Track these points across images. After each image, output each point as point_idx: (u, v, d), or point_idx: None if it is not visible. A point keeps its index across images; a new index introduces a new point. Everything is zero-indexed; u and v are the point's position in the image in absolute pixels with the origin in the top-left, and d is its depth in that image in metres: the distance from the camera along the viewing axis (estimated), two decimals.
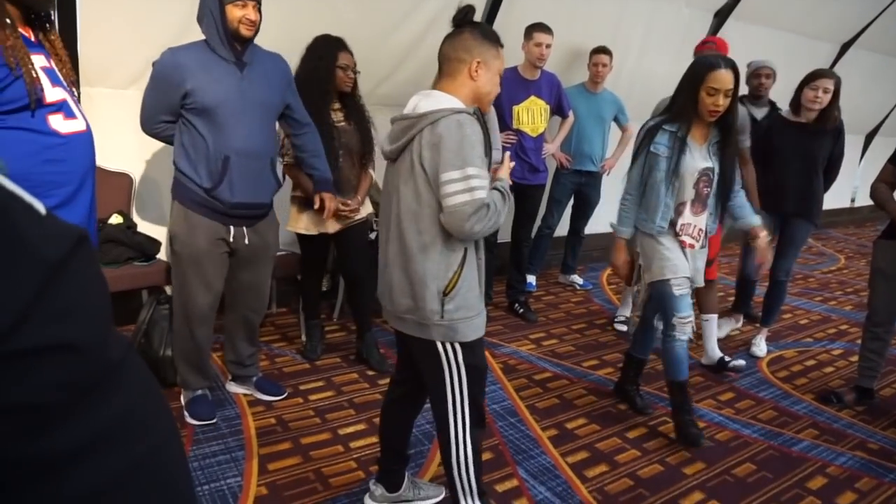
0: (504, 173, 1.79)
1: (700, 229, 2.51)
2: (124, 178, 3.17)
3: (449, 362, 1.72)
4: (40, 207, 0.40)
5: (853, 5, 5.91)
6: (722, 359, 3.32)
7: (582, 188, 4.24)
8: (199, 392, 2.54)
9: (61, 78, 1.76)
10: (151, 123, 2.30)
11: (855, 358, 3.46)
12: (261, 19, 2.24)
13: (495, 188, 1.70)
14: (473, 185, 1.56)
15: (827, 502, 2.29)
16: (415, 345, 1.76)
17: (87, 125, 1.79)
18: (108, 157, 3.09)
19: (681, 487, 2.32)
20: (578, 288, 4.59)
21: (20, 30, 1.67)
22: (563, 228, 4.53)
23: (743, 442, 2.65)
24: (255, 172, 2.32)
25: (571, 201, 4.36)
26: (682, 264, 2.50)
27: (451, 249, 1.66)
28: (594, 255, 5.07)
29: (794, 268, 3.61)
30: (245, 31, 2.20)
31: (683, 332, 2.52)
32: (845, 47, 6.41)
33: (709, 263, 3.99)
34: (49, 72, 1.71)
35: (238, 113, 2.24)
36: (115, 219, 3.02)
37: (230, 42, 2.21)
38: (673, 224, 2.49)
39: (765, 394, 3.13)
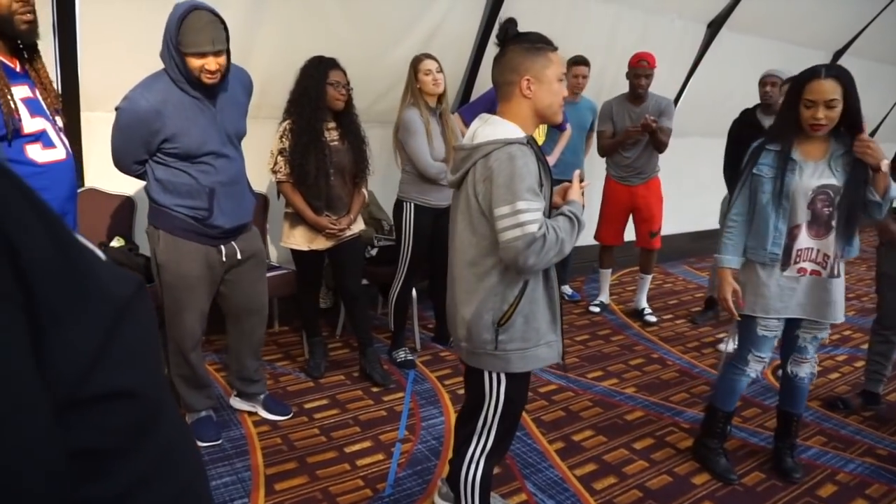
0: (575, 194, 1.73)
1: (826, 254, 2.20)
2: (125, 201, 3.18)
3: (491, 390, 1.75)
4: (100, 253, 0.41)
5: (845, 14, 5.97)
6: (643, 310, 4.19)
7: None
8: (203, 413, 2.53)
9: (45, 107, 1.78)
10: (128, 167, 2.21)
11: (860, 363, 3.46)
12: (228, 61, 2.14)
13: (562, 213, 1.66)
14: (523, 220, 1.54)
15: None
16: (468, 371, 1.82)
17: (68, 153, 1.81)
18: (109, 180, 3.11)
19: (690, 498, 2.30)
20: (567, 299, 4.59)
21: (4, 60, 1.69)
22: None
23: (750, 451, 2.63)
24: (239, 195, 2.34)
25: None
26: (776, 305, 2.26)
27: (507, 282, 1.65)
28: (594, 265, 5.07)
29: None
30: (207, 80, 2.08)
31: (753, 370, 2.39)
32: (838, 55, 6.47)
33: (653, 235, 4.10)
34: (30, 102, 1.73)
35: (217, 148, 2.21)
36: (117, 242, 3.03)
37: (196, 86, 2.11)
38: (788, 251, 2.22)
39: (771, 402, 3.12)
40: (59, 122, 1.86)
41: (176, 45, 2.03)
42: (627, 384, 3.26)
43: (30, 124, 1.69)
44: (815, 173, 2.17)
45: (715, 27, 5.19)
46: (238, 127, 2.32)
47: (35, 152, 1.70)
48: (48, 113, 1.77)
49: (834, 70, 2.10)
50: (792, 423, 2.49)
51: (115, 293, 0.39)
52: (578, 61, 4.04)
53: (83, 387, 0.35)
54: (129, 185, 3.16)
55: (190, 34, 2.01)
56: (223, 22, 2.08)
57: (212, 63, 2.05)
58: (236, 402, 2.75)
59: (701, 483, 2.39)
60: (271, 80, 3.18)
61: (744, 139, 3.61)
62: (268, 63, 3.18)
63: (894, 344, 2.98)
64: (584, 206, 1.73)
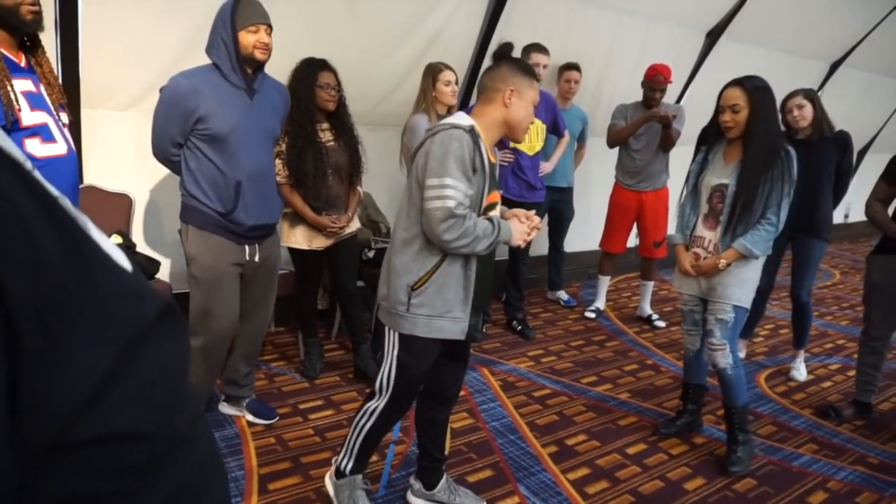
0: (515, 223, 1.86)
1: (715, 244, 2.50)
2: (124, 199, 3.18)
3: (390, 350, 1.90)
4: (125, 262, 0.35)
5: (843, 25, 6.01)
6: (650, 316, 4.29)
7: (556, 204, 4.27)
8: None
9: (48, 102, 1.78)
10: (167, 151, 2.26)
11: (852, 372, 3.48)
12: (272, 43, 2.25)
13: (489, 218, 1.81)
14: (447, 194, 1.69)
15: None
16: (377, 329, 1.92)
17: (70, 149, 1.81)
18: (108, 177, 3.12)
19: (682, 503, 2.31)
20: (562, 304, 4.61)
21: (7, 54, 1.70)
22: (543, 247, 4.58)
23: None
24: (265, 194, 2.37)
25: (547, 218, 4.40)
26: (680, 281, 2.66)
27: (428, 251, 1.80)
28: (590, 271, 5.09)
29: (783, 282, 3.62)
30: (259, 54, 2.21)
31: (689, 342, 2.73)
32: (835, 66, 6.51)
33: (657, 245, 4.18)
34: (32, 96, 1.73)
35: (247, 139, 2.26)
36: (115, 239, 3.03)
37: (242, 69, 2.22)
38: (691, 236, 2.59)
39: (764, 409, 3.14)
40: (64, 117, 1.86)
41: (231, 25, 2.16)
42: (621, 389, 3.27)
43: (29, 117, 1.70)
44: (721, 173, 2.47)
45: (714, 36, 5.22)
46: (272, 126, 2.39)
47: (34, 146, 1.70)
48: (51, 108, 1.78)
49: (744, 80, 2.40)
50: (731, 414, 2.56)
51: (132, 316, 0.34)
52: (569, 66, 4.07)
53: (74, 429, 0.30)
54: (128, 183, 3.17)
55: (244, 10, 2.18)
56: None
57: (264, 35, 2.20)
58: (223, 407, 2.73)
59: (693, 489, 2.40)
60: None
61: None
62: (272, 65, 3.19)
63: (883, 354, 3.00)
64: (519, 242, 1.86)
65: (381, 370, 1.93)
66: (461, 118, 1.81)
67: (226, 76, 2.21)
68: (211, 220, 2.28)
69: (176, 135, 2.22)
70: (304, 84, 2.77)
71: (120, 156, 3.13)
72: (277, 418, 2.72)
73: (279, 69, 2.96)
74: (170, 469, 0.35)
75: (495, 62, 1.89)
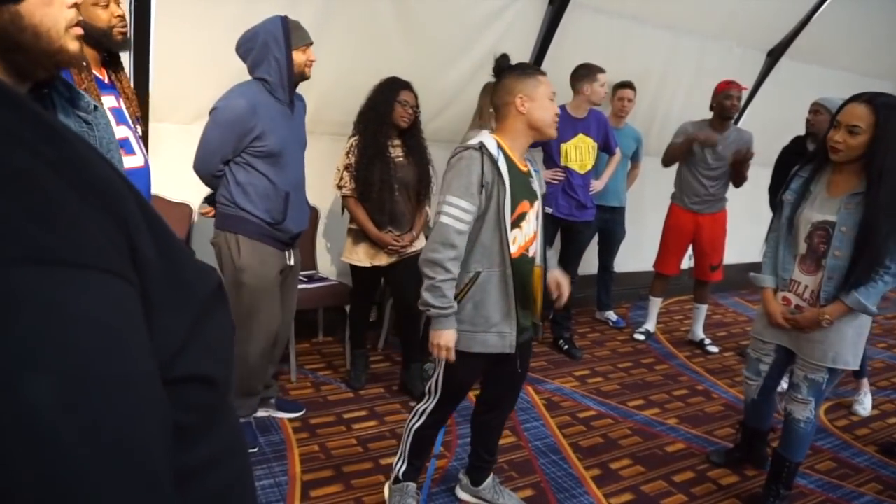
0: (449, 335, 1.85)
1: (813, 291, 2.14)
2: (184, 208, 3.32)
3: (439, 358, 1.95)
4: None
5: None
6: (702, 340, 4.19)
7: (606, 224, 4.20)
8: (244, 420, 2.58)
9: (127, 116, 1.89)
10: (214, 167, 2.31)
11: None
12: None
13: (449, 305, 1.83)
14: (445, 210, 1.81)
15: None
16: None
17: (146, 161, 1.91)
18: (171, 187, 3.26)
19: None
20: (611, 325, 4.52)
21: (94, 71, 1.82)
22: (592, 266, 4.50)
23: (799, 493, 2.52)
24: (302, 203, 2.48)
25: (597, 238, 4.34)
26: (760, 327, 2.34)
27: (464, 269, 1.86)
28: (641, 292, 4.98)
29: None
30: (309, 72, 2.35)
31: (748, 389, 2.49)
32: None
33: (713, 269, 4.00)
34: (116, 111, 1.84)
35: (293, 152, 2.38)
36: None
37: (291, 85, 2.32)
38: (784, 279, 2.24)
39: (823, 443, 2.99)
40: (139, 130, 1.97)
41: (286, 44, 2.25)
42: (669, 415, 3.18)
43: (116, 132, 1.80)
44: (826, 207, 2.08)
45: (775, 56, 5.08)
46: (304, 136, 2.50)
47: None
48: (130, 122, 1.89)
49: (875, 97, 1.96)
50: (783, 467, 2.32)
51: (200, 287, 0.44)
52: (624, 84, 4.03)
53: (174, 368, 0.39)
54: (188, 193, 3.31)
55: (297, 32, 2.29)
56: None
57: (312, 54, 2.34)
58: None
59: None
60: (329, 97, 3.29)
61: (788, 166, 3.52)
62: (326, 81, 3.29)
63: None
64: (435, 347, 1.87)
65: (434, 375, 2.03)
66: (479, 137, 1.87)
67: (272, 92, 2.29)
68: (262, 231, 2.35)
69: (228, 153, 2.28)
70: (385, 98, 2.85)
71: (182, 167, 3.25)
72: (304, 411, 2.82)
73: (336, 88, 3.06)
74: (225, 417, 0.45)
75: (497, 78, 1.93)
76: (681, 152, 3.91)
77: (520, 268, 1.89)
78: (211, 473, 0.43)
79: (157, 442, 0.35)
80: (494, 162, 1.82)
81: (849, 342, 2.10)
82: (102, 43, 1.85)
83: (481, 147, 1.82)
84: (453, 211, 1.79)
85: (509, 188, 1.83)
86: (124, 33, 1.88)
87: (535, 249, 1.98)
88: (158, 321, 0.38)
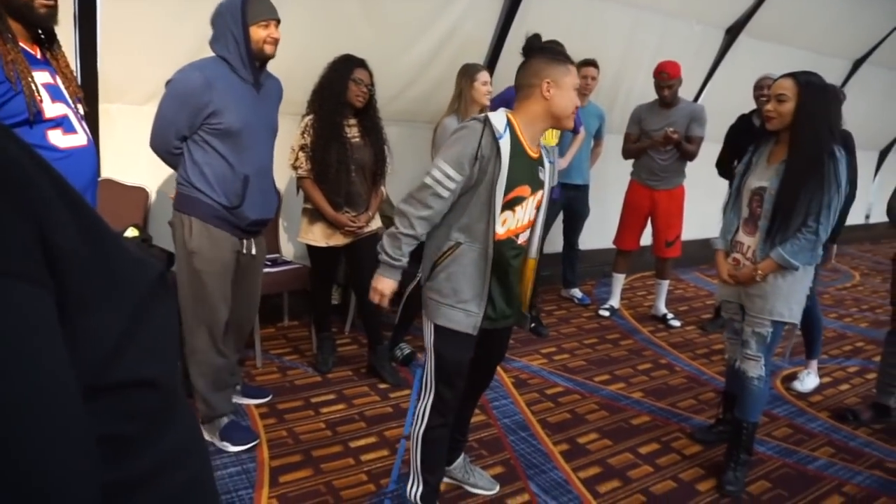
0: (387, 282, 1.88)
1: (753, 250, 2.34)
2: (140, 192, 3.22)
3: (427, 339, 1.92)
4: (129, 233, 0.42)
5: (866, 23, 5.91)
6: (665, 315, 4.27)
7: (571, 202, 4.25)
8: (228, 418, 2.47)
9: (65, 94, 1.80)
10: (170, 143, 2.20)
11: (871, 375, 3.43)
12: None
13: (402, 256, 1.84)
14: (431, 171, 1.78)
15: None
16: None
17: (89, 140, 1.83)
18: (124, 171, 3.16)
19: None
20: (576, 302, 4.59)
21: (24, 46, 1.72)
22: (558, 244, 4.55)
23: (757, 459, 2.61)
24: (266, 189, 2.37)
25: (561, 215, 4.38)
26: (721, 288, 2.51)
27: (444, 236, 1.85)
28: (605, 269, 5.06)
29: None
30: (270, 49, 2.21)
31: (728, 351, 2.62)
32: (858, 64, 6.40)
33: (669, 244, 4.12)
34: (51, 88, 1.75)
35: (256, 134, 2.27)
36: (131, 232, 3.06)
37: (251, 63, 2.21)
38: (731, 241, 2.46)
39: (779, 411, 3.10)
40: (81, 109, 1.88)
41: (242, 19, 2.15)
42: (634, 389, 3.25)
43: (51, 109, 1.71)
44: (763, 175, 2.32)
45: (733, 33, 5.15)
46: (274, 120, 2.40)
47: (56, 138, 1.72)
48: (69, 100, 1.80)
49: (800, 74, 2.22)
50: (741, 429, 2.41)
51: (137, 280, 0.40)
52: (587, 62, 4.04)
53: (107, 374, 0.36)
54: (144, 177, 3.20)
55: (254, 5, 2.17)
56: None
57: (274, 30, 2.21)
58: None
59: (705, 490, 2.38)
60: (290, 77, 3.19)
61: (736, 143, 3.60)
62: (289, 63, 3.20)
63: None
64: (374, 292, 1.88)
65: (426, 364, 1.95)
66: (492, 114, 1.82)
67: (235, 70, 2.19)
68: (216, 214, 2.25)
69: (183, 128, 2.18)
70: (339, 76, 2.78)
71: (136, 150, 3.14)
72: (271, 396, 2.78)
73: (296, 68, 2.98)
74: (173, 420, 0.41)
75: (525, 57, 1.86)
76: (641, 153, 4.04)
77: (502, 250, 1.84)
78: (163, 479, 0.40)
79: (61, 465, 0.31)
80: (496, 138, 1.77)
81: (783, 295, 2.29)
82: (25, 17, 1.71)
83: (485, 121, 1.78)
84: (438, 175, 1.77)
85: (506, 167, 1.77)
86: (48, 6, 1.73)
87: (525, 237, 1.93)
88: (85, 321, 0.35)
